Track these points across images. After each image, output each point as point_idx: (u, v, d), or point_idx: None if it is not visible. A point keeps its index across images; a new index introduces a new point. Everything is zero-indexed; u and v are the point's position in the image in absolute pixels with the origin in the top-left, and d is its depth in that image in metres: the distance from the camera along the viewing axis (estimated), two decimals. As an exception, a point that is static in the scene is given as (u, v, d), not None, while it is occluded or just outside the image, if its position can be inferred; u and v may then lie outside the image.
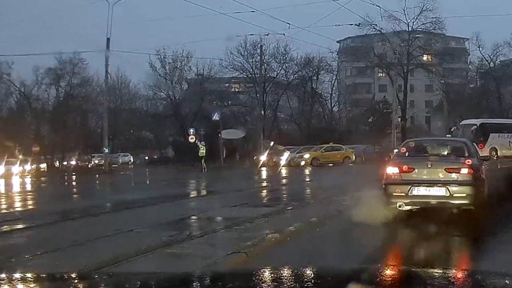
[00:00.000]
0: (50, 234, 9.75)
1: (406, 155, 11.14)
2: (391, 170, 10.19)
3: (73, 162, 42.83)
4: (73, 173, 36.83)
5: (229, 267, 6.39)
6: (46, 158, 42.96)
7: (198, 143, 37.73)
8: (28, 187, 26.59)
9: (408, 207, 10.00)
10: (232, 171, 34.81)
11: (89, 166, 45.65)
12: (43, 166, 41.97)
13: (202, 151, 35.91)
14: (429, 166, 9.96)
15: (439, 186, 9.72)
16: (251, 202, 13.95)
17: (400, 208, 9.92)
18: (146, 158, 54.31)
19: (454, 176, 9.76)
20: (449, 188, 9.64)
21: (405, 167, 10.11)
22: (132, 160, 54.33)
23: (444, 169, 9.83)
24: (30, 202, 17.89)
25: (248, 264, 6.70)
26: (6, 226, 10.57)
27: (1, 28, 75.39)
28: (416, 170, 10.00)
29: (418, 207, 10.10)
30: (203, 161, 35.33)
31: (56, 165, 43.54)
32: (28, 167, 38.23)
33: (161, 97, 56.24)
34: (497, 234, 9.18)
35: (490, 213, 10.54)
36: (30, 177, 34.87)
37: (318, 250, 8.05)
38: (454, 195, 9.65)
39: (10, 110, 47.43)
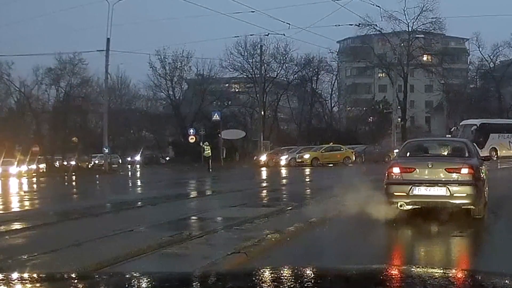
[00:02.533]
0: (50, 234, 9.74)
1: (407, 155, 11.22)
2: (393, 170, 10.27)
3: (73, 162, 42.66)
4: (73, 173, 36.74)
5: (229, 267, 6.38)
6: (46, 158, 42.89)
7: (202, 143, 37.58)
8: (26, 187, 26.54)
9: (409, 207, 10.09)
10: (232, 171, 34.82)
11: (89, 166, 45.56)
12: (42, 166, 41.71)
13: (208, 151, 35.81)
14: (430, 166, 10.01)
15: (439, 186, 9.78)
16: (251, 202, 13.95)
17: (401, 208, 10.01)
18: (129, 159, 51.46)
19: (454, 176, 9.82)
20: (450, 187, 9.71)
21: (406, 167, 10.20)
22: (119, 161, 52.50)
23: (445, 169, 9.89)
24: (29, 203, 17.87)
25: (248, 264, 6.69)
26: (5, 226, 10.57)
27: (1, 28, 75.44)
28: (417, 170, 10.07)
29: (419, 206, 10.16)
30: (210, 161, 35.23)
31: (56, 165, 43.38)
32: (24, 167, 37.78)
33: (161, 97, 56.36)
34: (498, 233, 9.19)
35: (490, 212, 10.58)
36: (27, 178, 34.54)
37: (318, 250, 8.05)
38: (455, 194, 9.70)
39: (10, 110, 47.41)
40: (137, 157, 48.72)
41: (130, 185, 27.68)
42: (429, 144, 12.61)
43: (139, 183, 28.87)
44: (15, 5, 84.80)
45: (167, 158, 54.79)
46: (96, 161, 45.90)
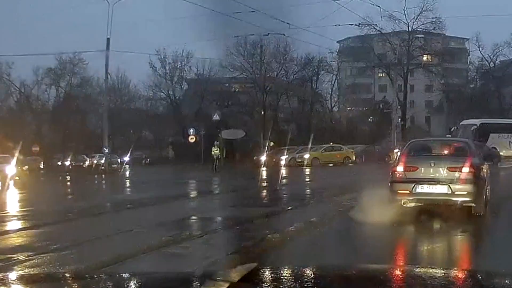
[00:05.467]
0: (50, 234, 9.74)
1: (411, 154, 11.33)
2: (397, 168, 10.51)
3: (67, 163, 42.28)
4: (67, 173, 36.37)
5: (229, 267, 6.37)
6: (46, 157, 42.76)
7: (218, 142, 37.34)
8: (23, 188, 26.46)
9: (412, 204, 10.29)
10: (232, 172, 34.77)
11: (83, 166, 45.05)
12: (25, 168, 39.81)
13: (216, 151, 35.66)
14: (433, 165, 10.23)
15: (441, 184, 9.99)
16: (251, 202, 13.95)
17: (404, 205, 10.21)
18: (118, 160, 48.26)
19: (456, 174, 10.02)
20: (451, 186, 9.92)
21: (409, 166, 10.43)
22: (119, 161, 51.22)
23: (447, 168, 10.11)
24: (28, 203, 17.82)
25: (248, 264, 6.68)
26: (5, 226, 10.56)
27: (1, 28, 75.42)
28: (420, 169, 10.30)
29: (422, 204, 10.33)
30: (216, 161, 35.11)
31: (49, 165, 42.86)
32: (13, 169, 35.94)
33: (161, 97, 56.31)
34: (498, 233, 9.20)
35: (491, 211, 10.61)
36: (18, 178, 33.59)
37: (318, 250, 8.05)
38: (456, 192, 9.93)
39: (10, 110, 47.42)
40: (126, 158, 48.20)
41: (131, 185, 27.65)
42: (432, 144, 12.75)
43: (139, 183, 28.79)
44: (15, 5, 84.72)
45: (148, 160, 53.00)
46: (95, 161, 45.80)
